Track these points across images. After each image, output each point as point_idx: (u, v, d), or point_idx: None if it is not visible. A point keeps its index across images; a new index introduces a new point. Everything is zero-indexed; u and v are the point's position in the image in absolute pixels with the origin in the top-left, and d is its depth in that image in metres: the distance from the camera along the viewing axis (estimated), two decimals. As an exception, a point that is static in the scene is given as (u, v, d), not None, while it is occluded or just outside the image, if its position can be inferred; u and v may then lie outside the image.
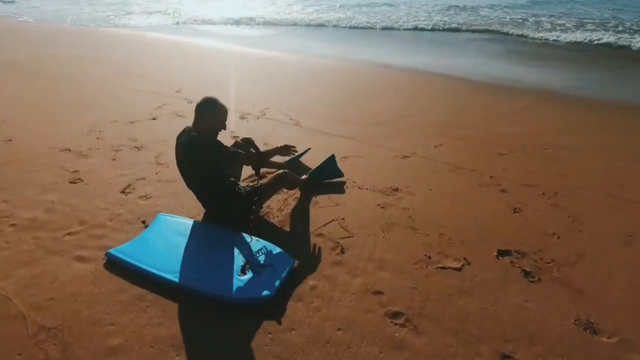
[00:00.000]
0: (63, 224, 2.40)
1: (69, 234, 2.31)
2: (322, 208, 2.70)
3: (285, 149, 2.78)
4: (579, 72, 7.23)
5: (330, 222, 2.54)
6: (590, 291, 2.03)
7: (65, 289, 1.89)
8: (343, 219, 2.58)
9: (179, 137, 2.32)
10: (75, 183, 2.89)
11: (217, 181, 2.32)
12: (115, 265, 2.05)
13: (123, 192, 2.79)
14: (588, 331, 1.79)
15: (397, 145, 3.83)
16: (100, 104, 4.72)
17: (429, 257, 2.24)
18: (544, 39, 9.62)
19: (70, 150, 3.43)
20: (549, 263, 2.24)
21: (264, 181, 2.57)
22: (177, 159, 2.35)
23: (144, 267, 1.98)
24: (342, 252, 2.26)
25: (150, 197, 2.73)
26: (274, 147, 2.81)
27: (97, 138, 3.71)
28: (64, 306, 1.80)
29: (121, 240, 2.26)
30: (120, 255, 2.06)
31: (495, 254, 2.30)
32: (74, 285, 1.92)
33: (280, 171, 2.63)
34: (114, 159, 3.30)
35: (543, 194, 3.01)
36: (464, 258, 2.24)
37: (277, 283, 1.91)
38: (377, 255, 2.24)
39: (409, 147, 3.79)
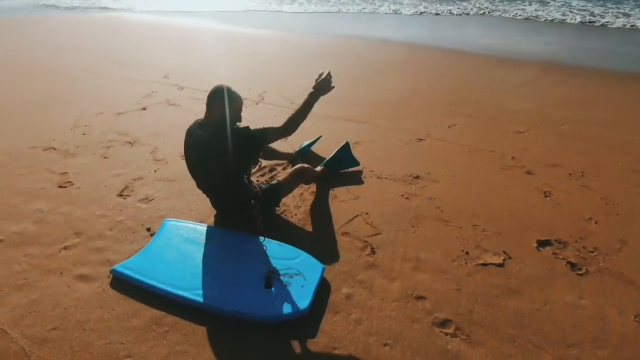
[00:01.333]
0: (57, 237, 2.13)
1: (65, 248, 2.05)
2: (342, 202, 2.48)
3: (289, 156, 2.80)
4: (577, 40, 7.04)
5: (354, 218, 2.33)
6: (642, 282, 1.89)
7: (70, 316, 1.66)
8: (367, 213, 2.37)
9: (191, 132, 2.04)
10: (65, 187, 2.60)
11: (236, 179, 2.07)
12: (123, 284, 1.81)
13: (121, 195, 2.51)
14: (651, 328, 1.65)
15: (410, 127, 3.61)
16: (83, 95, 4.33)
17: (467, 253, 2.07)
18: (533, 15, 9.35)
19: (55, 149, 3.10)
20: (592, 252, 2.09)
21: (280, 177, 2.33)
22: (189, 156, 2.09)
23: (158, 285, 1.75)
24: (373, 252, 2.06)
25: (152, 200, 2.46)
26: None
27: (84, 134, 3.37)
28: (72, 337, 1.57)
29: (126, 253, 2.01)
30: (128, 272, 1.83)
31: (535, 245, 2.14)
32: (79, 311, 1.68)
33: (298, 166, 2.39)
34: (106, 157, 2.99)
35: (570, 174, 2.85)
36: (504, 252, 2.08)
37: (311, 294, 1.71)
38: (412, 254, 2.05)
39: (422, 128, 3.57)
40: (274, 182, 2.30)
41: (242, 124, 2.06)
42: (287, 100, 4.22)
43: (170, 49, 6.30)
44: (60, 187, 2.60)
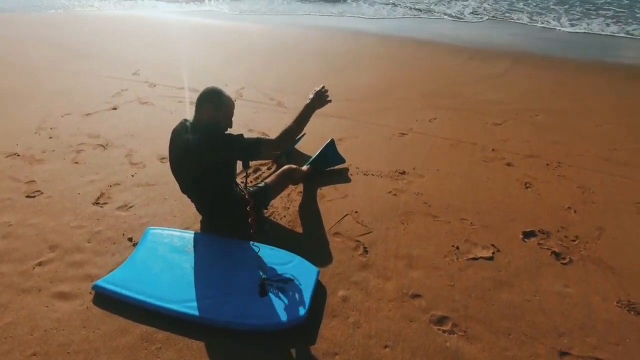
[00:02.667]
0: (30, 252, 1.98)
1: (39, 264, 1.91)
2: (331, 202, 2.45)
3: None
4: (541, 32, 7.28)
5: (344, 217, 2.31)
6: (620, 268, 1.99)
7: (51, 339, 1.54)
8: (357, 212, 2.35)
9: (177, 133, 1.94)
10: (34, 197, 2.42)
11: (223, 183, 1.99)
12: (107, 300, 1.71)
13: (97, 203, 2.37)
14: (632, 313, 1.74)
15: (391, 121, 3.61)
16: (46, 94, 4.03)
17: (457, 248, 2.10)
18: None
19: (18, 155, 2.87)
20: (574, 241, 2.18)
21: (268, 179, 2.26)
22: (173, 158, 1.98)
23: (146, 299, 1.66)
24: (366, 251, 2.05)
25: (131, 207, 2.34)
26: None
27: (50, 137, 3.14)
28: (54, 362, 1.46)
29: (108, 266, 1.90)
30: (112, 287, 1.72)
31: (521, 236, 2.20)
32: (61, 333, 1.57)
33: (286, 166, 2.33)
34: (76, 162, 2.80)
35: (547, 164, 2.96)
36: (492, 245, 2.12)
37: (308, 300, 1.67)
38: (404, 251, 2.06)
39: (403, 123, 3.59)
40: (262, 184, 2.23)
41: (233, 130, 1.97)
42: (266, 96, 4.12)
43: (138, 43, 5.99)
44: (28, 197, 2.41)
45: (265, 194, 2.19)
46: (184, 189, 2.06)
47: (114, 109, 3.72)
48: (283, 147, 2.07)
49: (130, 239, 2.08)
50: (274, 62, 5.27)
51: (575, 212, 2.42)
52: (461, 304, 1.76)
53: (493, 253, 2.07)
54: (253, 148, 1.90)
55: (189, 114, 3.73)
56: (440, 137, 3.34)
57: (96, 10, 8.05)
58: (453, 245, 2.11)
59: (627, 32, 6.99)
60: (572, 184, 2.71)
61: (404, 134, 3.38)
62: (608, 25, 7.42)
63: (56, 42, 5.82)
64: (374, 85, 4.51)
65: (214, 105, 1.85)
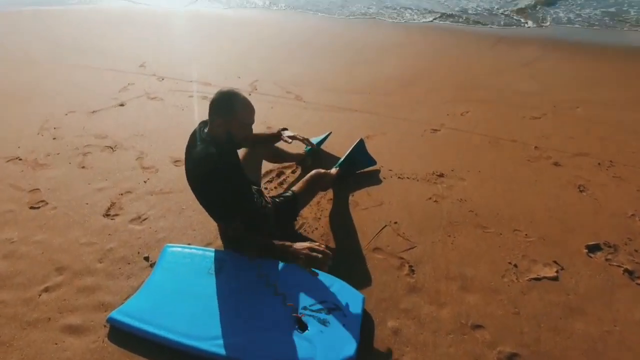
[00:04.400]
0: (35, 276, 1.76)
1: (46, 290, 1.69)
2: (365, 210, 2.20)
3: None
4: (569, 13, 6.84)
5: (383, 228, 2.07)
6: None
7: (62, 386, 1.33)
8: (396, 222, 2.11)
9: (191, 142, 1.67)
10: (38, 208, 2.20)
11: (240, 205, 1.69)
12: (125, 335, 1.49)
13: (107, 214, 2.14)
14: None
15: (421, 116, 3.33)
16: (47, 92, 3.78)
17: (515, 266, 1.85)
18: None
19: (20, 160, 2.64)
20: (646, 255, 1.92)
21: (295, 187, 2.01)
22: (186, 170, 1.73)
23: (167, 335, 1.44)
24: (412, 271, 1.81)
25: (145, 219, 2.11)
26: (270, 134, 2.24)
27: (54, 138, 2.91)
28: (66, 416, 1.25)
29: (123, 291, 1.68)
30: (127, 320, 1.50)
31: (585, 250, 1.94)
32: (73, 378, 1.36)
33: (314, 172, 2.07)
34: (83, 167, 2.57)
35: (599, 164, 2.67)
36: (554, 261, 1.87)
37: (356, 334, 1.44)
38: (455, 270, 1.81)
39: (434, 117, 3.30)
40: (289, 193, 1.97)
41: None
42: (283, 89, 3.84)
43: (143, 34, 5.68)
44: (32, 208, 2.19)
45: (294, 205, 1.95)
46: (200, 202, 1.82)
47: (121, 105, 3.47)
48: (241, 249, 1.67)
49: (146, 258, 1.85)
50: (290, 54, 4.96)
51: (640, 220, 2.16)
52: (531, 337, 1.52)
53: (557, 272, 1.81)
54: (228, 210, 1.55)
55: (200, 110, 3.52)
56: (475, 133, 3.05)
57: (96, 4, 7.73)
58: (510, 263, 1.86)
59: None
60: (630, 187, 2.44)
61: (436, 130, 3.10)
62: None
63: (56, 37, 5.53)
64: (398, 77, 4.20)
65: (223, 114, 1.54)
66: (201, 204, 1.72)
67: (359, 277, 1.76)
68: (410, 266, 1.84)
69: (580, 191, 2.40)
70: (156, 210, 2.17)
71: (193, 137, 1.68)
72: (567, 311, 1.63)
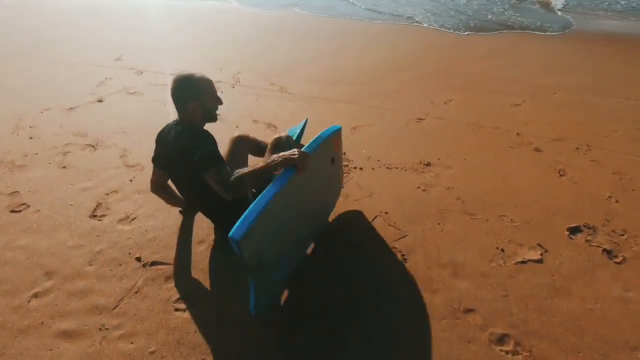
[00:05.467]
0: (22, 282, 1.71)
1: (35, 295, 1.65)
2: (356, 202, 2.23)
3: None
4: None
5: (374, 219, 2.10)
6: (678, 264, 1.85)
7: (60, 393, 1.32)
8: (387, 213, 2.14)
9: (161, 137, 1.75)
10: (20, 211, 2.12)
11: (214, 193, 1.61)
12: (121, 338, 1.47)
13: (94, 216, 2.09)
14: (702, 317, 1.60)
15: (405, 105, 3.36)
16: (22, 86, 3.61)
17: (502, 250, 1.92)
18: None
19: (-4, 161, 2.54)
20: (622, 235, 2.02)
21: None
22: (162, 160, 1.75)
23: None
24: (405, 260, 1.86)
25: (134, 219, 2.07)
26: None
27: (30, 138, 2.79)
28: (68, 422, 1.24)
29: (116, 294, 1.65)
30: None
31: (567, 233, 2.03)
32: (71, 384, 1.34)
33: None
34: (64, 167, 2.49)
35: (577, 148, 2.78)
36: (539, 244, 1.95)
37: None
38: (446, 257, 1.87)
39: (418, 107, 3.34)
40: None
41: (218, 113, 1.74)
42: (267, 81, 3.79)
43: (118, 25, 5.47)
44: (13, 211, 2.11)
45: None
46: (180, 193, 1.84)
47: (100, 101, 3.35)
48: (231, 192, 1.46)
49: (138, 259, 1.82)
50: (271, 45, 4.88)
51: (617, 201, 2.26)
52: (519, 318, 1.59)
53: (541, 254, 1.89)
54: (208, 164, 1.48)
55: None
56: (460, 121, 3.11)
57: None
58: (497, 248, 1.93)
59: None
60: (606, 170, 2.55)
61: (421, 119, 3.14)
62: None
63: (20, 29, 5.26)
64: (381, 67, 4.21)
65: (193, 96, 1.60)
66: (181, 183, 1.75)
67: (354, 268, 1.79)
68: (403, 255, 1.88)
69: (561, 175, 2.49)
70: (145, 209, 2.13)
71: (161, 135, 1.74)
72: (552, 292, 1.71)
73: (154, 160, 1.79)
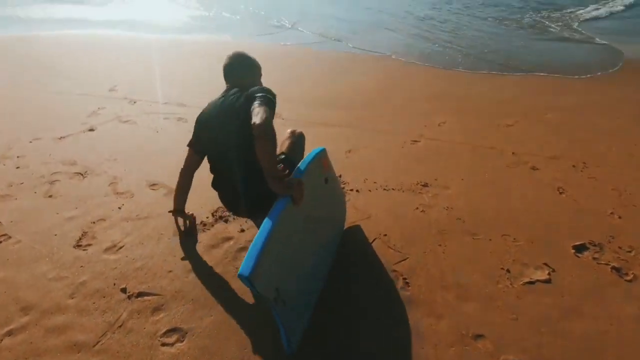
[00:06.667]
0: (-4, 318, 1.59)
1: (9, 333, 1.52)
2: (353, 224, 2.15)
3: None
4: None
5: (373, 241, 2.02)
6: (691, 280, 1.77)
7: None
8: (386, 235, 2.06)
9: (209, 105, 1.75)
10: (0, 243, 2.01)
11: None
12: (102, 377, 1.34)
13: (79, 245, 1.98)
14: None
15: (399, 128, 3.36)
16: (11, 117, 3.58)
17: (508, 271, 1.83)
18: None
19: (-21, 192, 2.44)
20: (630, 252, 1.95)
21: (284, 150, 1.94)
22: (208, 129, 1.72)
23: None
24: (407, 283, 1.76)
25: (121, 248, 1.96)
26: None
27: (17, 167, 2.72)
28: None
29: (98, 329, 1.53)
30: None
31: (573, 251, 1.96)
32: None
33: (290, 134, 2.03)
34: (51, 196, 2.40)
35: (573, 166, 2.76)
36: (545, 264, 1.87)
37: None
38: (450, 280, 1.78)
39: (412, 129, 3.34)
40: (282, 156, 1.88)
41: None
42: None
43: (112, 58, 5.55)
44: (-8, 243, 2.01)
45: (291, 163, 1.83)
46: (219, 171, 1.77)
47: (91, 130, 3.31)
48: (268, 136, 1.39)
49: (123, 290, 1.71)
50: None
51: (620, 217, 2.21)
52: (532, 343, 1.49)
53: (549, 274, 1.81)
54: (269, 103, 1.50)
55: (176, 131, 3.40)
56: (455, 142, 3.10)
57: (62, 30, 7.51)
58: (502, 268, 1.85)
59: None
60: (605, 186, 2.52)
61: (416, 141, 3.13)
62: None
63: (21, 61, 5.32)
64: (369, 90, 4.27)
65: (250, 73, 1.76)
66: (228, 150, 1.64)
67: (354, 294, 1.69)
68: (405, 279, 1.79)
69: (560, 193, 2.45)
70: (133, 237, 2.04)
71: (208, 108, 1.74)
72: (563, 313, 1.61)
73: (192, 143, 1.81)
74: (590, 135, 3.22)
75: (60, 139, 3.14)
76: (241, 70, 1.75)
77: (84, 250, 1.95)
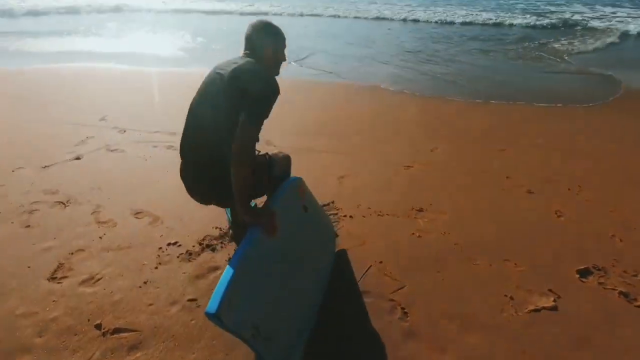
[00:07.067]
0: (-48, 361, 1.42)
1: (-35, 378, 1.36)
2: (347, 251, 2.05)
3: None
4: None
5: (368, 269, 1.91)
6: (702, 305, 1.69)
7: None
8: (381, 262, 1.96)
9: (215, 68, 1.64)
10: (-33, 276, 1.86)
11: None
12: None
13: (53, 278, 1.84)
14: None
15: (391, 155, 3.33)
16: (-6, 147, 3.49)
17: (512, 298, 1.73)
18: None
19: (-49, 223, 2.31)
20: (635, 276, 1.87)
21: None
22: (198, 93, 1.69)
23: None
24: (405, 314, 1.65)
25: (99, 280, 1.83)
26: None
27: (-5, 197, 2.60)
28: None
29: (66, 370, 1.38)
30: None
31: (577, 275, 1.88)
32: None
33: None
34: (28, 226, 2.28)
35: (569, 189, 2.73)
36: (550, 290, 1.78)
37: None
38: (451, 309, 1.67)
39: (404, 155, 3.31)
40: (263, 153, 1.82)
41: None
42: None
43: (104, 89, 5.57)
44: (-41, 277, 1.86)
45: (270, 164, 1.75)
46: (187, 149, 1.71)
47: (77, 158, 3.23)
48: (245, 155, 1.37)
49: (98, 326, 1.56)
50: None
51: (621, 240, 2.15)
52: (544, 378, 1.37)
53: (554, 301, 1.72)
54: (260, 114, 1.42)
55: (166, 158, 3.34)
56: (448, 167, 3.07)
57: (54, 64, 7.60)
58: (506, 295, 1.75)
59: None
60: (603, 209, 2.47)
61: (409, 166, 3.09)
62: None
63: (11, 94, 5.30)
64: (357, 116, 4.29)
65: (273, 40, 1.62)
66: (210, 107, 1.61)
67: (349, 325, 1.57)
68: (403, 308, 1.67)
69: (558, 216, 2.40)
70: (112, 268, 1.91)
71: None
72: (574, 342, 1.51)
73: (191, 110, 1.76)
74: (581, 159, 3.22)
75: (44, 167, 3.05)
76: (253, 34, 1.62)
77: (58, 283, 1.81)
